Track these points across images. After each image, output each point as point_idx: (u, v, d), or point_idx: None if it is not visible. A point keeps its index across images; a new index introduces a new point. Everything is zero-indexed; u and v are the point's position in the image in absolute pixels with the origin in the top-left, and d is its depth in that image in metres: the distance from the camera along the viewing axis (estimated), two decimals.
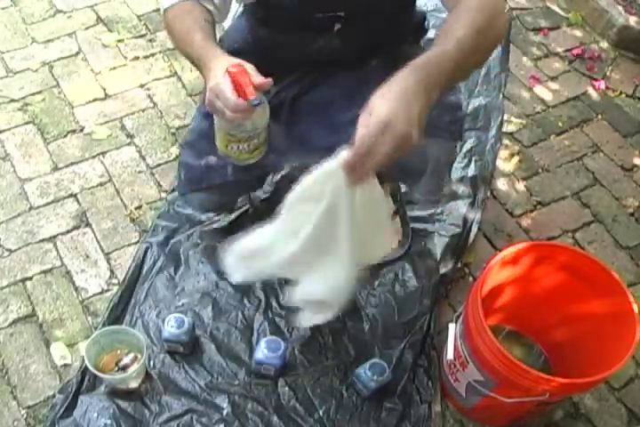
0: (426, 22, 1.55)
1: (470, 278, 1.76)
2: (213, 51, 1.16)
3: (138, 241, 1.75)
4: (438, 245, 1.76)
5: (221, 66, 1.09)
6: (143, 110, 2.05)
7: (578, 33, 2.42)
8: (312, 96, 1.46)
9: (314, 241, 1.10)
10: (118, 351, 1.47)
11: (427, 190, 1.62)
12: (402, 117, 0.89)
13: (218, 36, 1.34)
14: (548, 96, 2.21)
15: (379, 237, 1.21)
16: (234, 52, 1.49)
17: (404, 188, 1.67)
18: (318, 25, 1.30)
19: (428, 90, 0.93)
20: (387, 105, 0.90)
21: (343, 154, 0.95)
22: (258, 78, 1.08)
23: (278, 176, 1.70)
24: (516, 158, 2.04)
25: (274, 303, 1.63)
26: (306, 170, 1.06)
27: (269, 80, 1.09)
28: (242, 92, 1.06)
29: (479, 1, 1.04)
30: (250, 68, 1.10)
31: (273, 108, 1.27)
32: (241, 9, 1.54)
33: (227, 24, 1.61)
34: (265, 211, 1.41)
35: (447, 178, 1.72)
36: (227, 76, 1.07)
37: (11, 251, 1.72)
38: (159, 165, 1.92)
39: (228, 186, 1.49)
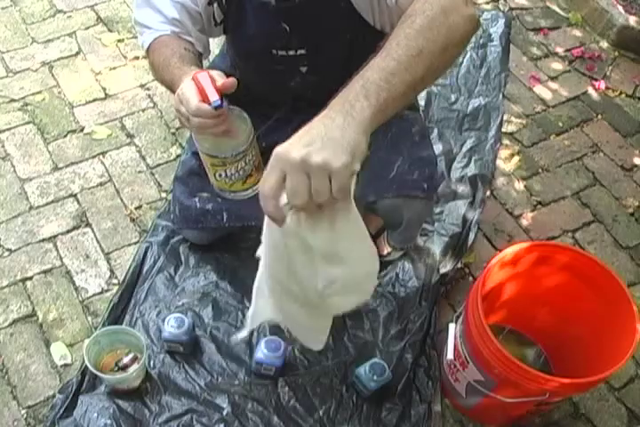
0: None
1: (470, 278, 1.76)
2: (187, 69, 1.13)
3: (138, 241, 1.75)
4: (438, 244, 1.77)
5: (190, 77, 1.07)
6: (143, 110, 2.05)
7: (578, 33, 2.42)
8: None
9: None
10: (118, 351, 1.47)
11: (400, 239, 1.67)
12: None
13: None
14: (548, 96, 2.21)
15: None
16: None
17: None
18: (286, 62, 1.29)
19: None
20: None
21: None
22: (221, 80, 1.04)
23: None
24: (516, 158, 2.04)
25: None
26: None
27: (232, 80, 1.05)
28: (204, 95, 1.03)
29: (421, 5, 0.91)
30: (217, 74, 1.07)
31: (264, 151, 1.26)
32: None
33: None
34: None
35: (419, 231, 1.74)
36: (191, 82, 1.05)
37: (11, 251, 1.72)
38: (159, 164, 1.92)
39: (222, 229, 1.55)
